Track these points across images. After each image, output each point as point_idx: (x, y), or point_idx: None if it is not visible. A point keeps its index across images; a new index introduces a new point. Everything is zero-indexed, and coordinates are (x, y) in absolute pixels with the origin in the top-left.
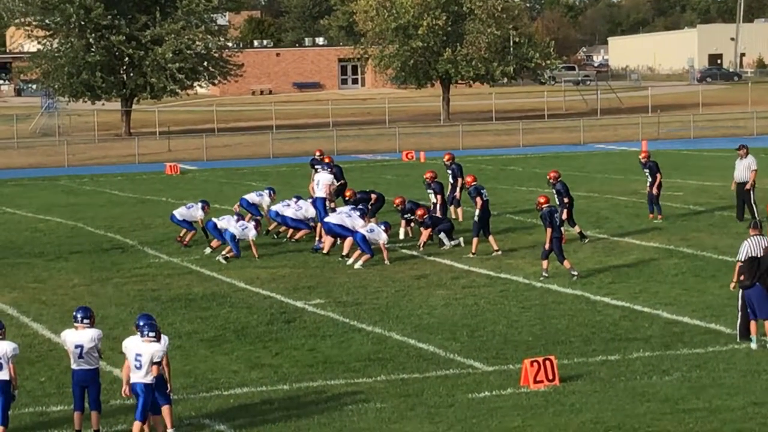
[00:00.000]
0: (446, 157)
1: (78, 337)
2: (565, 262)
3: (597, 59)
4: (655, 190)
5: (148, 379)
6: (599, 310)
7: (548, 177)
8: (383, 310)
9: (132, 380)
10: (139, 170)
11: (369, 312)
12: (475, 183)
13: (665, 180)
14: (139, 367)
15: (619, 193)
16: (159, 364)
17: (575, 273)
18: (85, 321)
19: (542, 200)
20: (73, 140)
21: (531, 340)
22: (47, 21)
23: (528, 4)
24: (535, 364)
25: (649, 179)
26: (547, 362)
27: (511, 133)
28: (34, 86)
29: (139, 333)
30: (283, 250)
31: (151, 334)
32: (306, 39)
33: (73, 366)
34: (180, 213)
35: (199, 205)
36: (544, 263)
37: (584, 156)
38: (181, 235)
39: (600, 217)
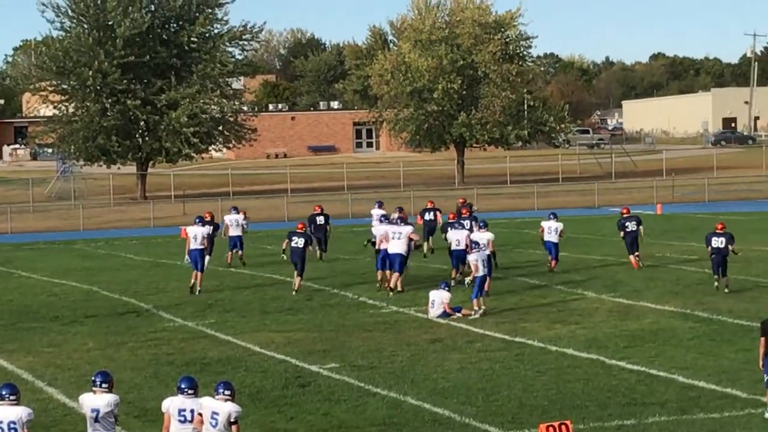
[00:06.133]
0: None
1: (95, 401)
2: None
3: (611, 122)
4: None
5: None
6: (615, 374)
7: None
8: (398, 374)
9: None
10: (154, 234)
11: (384, 376)
12: None
13: (681, 243)
14: (215, 425)
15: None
16: (237, 423)
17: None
18: (103, 385)
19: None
20: (88, 204)
21: (546, 405)
22: (63, 86)
23: (542, 68)
24: (551, 428)
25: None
26: (563, 427)
27: (526, 196)
28: (50, 150)
29: (214, 392)
30: (297, 314)
31: (227, 392)
32: (321, 102)
33: (89, 431)
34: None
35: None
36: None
37: (599, 219)
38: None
39: (615, 280)
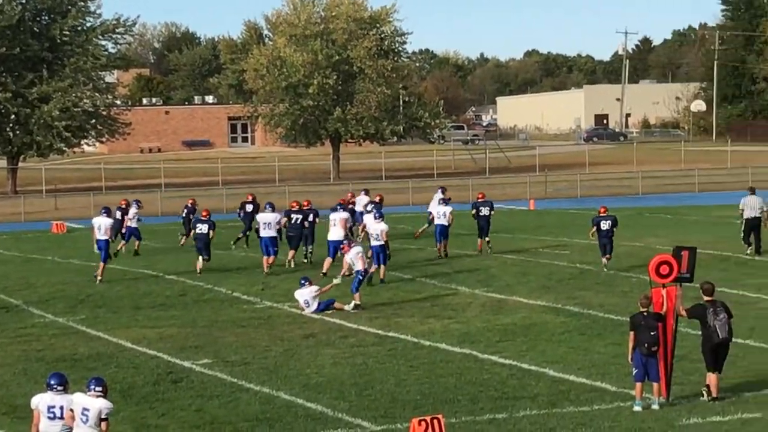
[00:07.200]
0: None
1: None
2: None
3: (486, 119)
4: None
5: None
6: (487, 369)
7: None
8: (271, 370)
9: None
10: (25, 229)
11: (257, 371)
12: None
13: (553, 239)
14: (85, 422)
15: (506, 251)
16: (107, 420)
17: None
18: None
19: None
20: None
21: (419, 399)
22: None
23: (417, 64)
24: (423, 422)
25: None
26: (435, 421)
27: (401, 191)
28: None
29: (86, 388)
30: (170, 309)
31: (98, 388)
32: (195, 97)
33: None
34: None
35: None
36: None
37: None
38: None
39: (488, 275)
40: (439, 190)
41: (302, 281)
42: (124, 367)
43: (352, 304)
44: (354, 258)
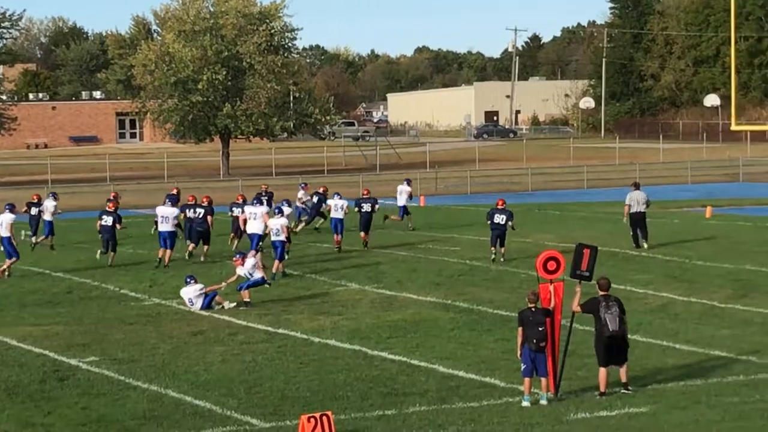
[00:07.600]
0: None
1: None
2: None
3: (376, 115)
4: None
5: None
6: (377, 365)
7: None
8: (159, 367)
9: None
10: None
11: (145, 369)
12: None
13: (443, 235)
14: None
15: (396, 247)
16: None
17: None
18: None
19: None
20: None
21: (308, 396)
22: None
23: (308, 60)
24: (312, 419)
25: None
26: (324, 418)
27: (291, 188)
28: None
29: None
30: (57, 307)
31: None
32: (83, 92)
33: None
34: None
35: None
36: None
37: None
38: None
39: (378, 271)
40: (405, 182)
41: (188, 279)
42: (10, 365)
43: (234, 303)
44: (251, 270)
